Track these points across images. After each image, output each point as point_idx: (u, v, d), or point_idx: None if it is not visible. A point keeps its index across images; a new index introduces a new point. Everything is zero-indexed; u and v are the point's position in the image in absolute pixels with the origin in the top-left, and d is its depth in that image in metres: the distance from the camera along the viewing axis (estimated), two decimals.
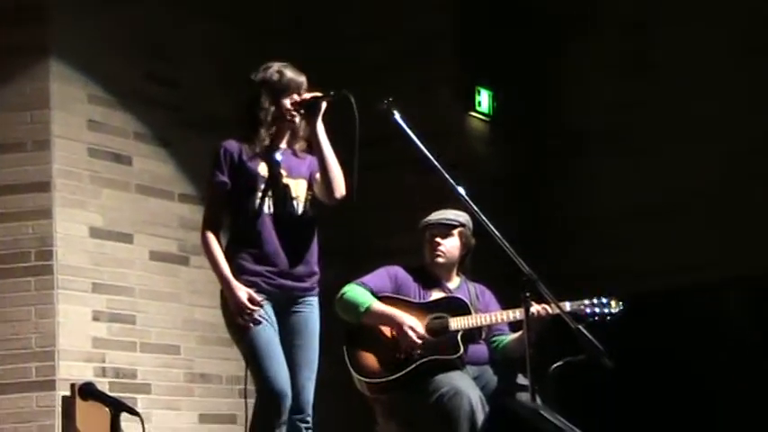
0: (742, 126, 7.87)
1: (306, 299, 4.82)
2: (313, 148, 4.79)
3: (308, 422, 4.79)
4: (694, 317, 7.79)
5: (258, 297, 4.65)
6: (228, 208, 4.80)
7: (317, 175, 4.84)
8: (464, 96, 8.06)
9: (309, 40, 7.60)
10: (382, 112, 4.70)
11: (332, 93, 4.74)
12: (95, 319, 6.57)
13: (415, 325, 5.38)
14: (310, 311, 4.84)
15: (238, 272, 4.71)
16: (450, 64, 8.05)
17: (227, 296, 4.69)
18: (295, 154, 4.85)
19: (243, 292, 4.64)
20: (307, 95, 4.77)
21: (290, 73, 4.80)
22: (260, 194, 4.75)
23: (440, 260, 5.59)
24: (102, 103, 6.78)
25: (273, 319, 4.72)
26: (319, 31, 7.90)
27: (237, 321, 4.66)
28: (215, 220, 4.81)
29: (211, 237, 4.77)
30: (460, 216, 5.53)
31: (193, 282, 7.10)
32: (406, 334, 5.36)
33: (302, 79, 4.81)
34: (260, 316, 4.65)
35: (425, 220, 5.62)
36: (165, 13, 7.12)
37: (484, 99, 8.11)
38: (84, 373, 6.37)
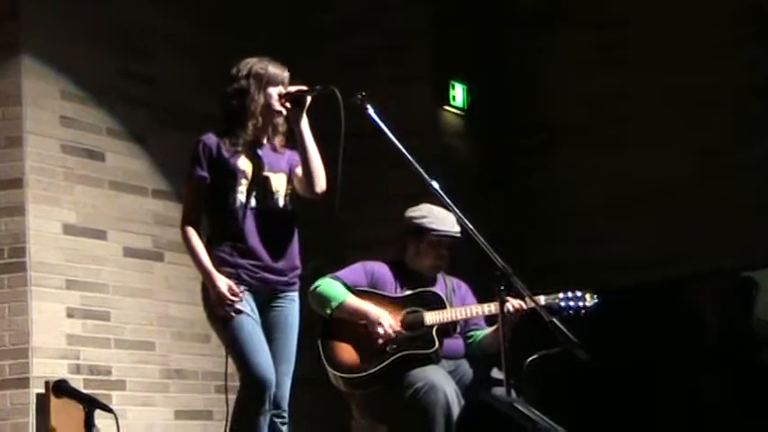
0: (715, 119, 7.91)
1: (287, 294, 4.83)
2: (297, 142, 4.79)
3: (283, 417, 4.80)
4: (668, 310, 7.83)
5: (238, 288, 4.65)
6: (207, 202, 4.79)
7: (297, 170, 4.85)
8: (438, 91, 8.07)
9: (285, 35, 7.58)
10: (356, 106, 4.71)
11: (318, 87, 4.75)
12: (69, 315, 6.55)
13: (386, 319, 5.38)
14: (291, 306, 4.85)
15: (219, 264, 4.71)
16: (424, 58, 8.06)
17: (208, 287, 4.69)
18: (274, 149, 4.85)
19: (223, 282, 4.64)
20: (293, 89, 4.79)
21: (274, 66, 4.82)
22: (241, 189, 4.75)
23: (440, 269, 5.59)
24: (74, 99, 6.75)
25: (255, 310, 4.72)
26: (295, 27, 7.90)
27: (218, 312, 4.65)
28: (194, 215, 4.81)
29: (191, 231, 4.76)
30: (457, 224, 5.49)
31: (168, 278, 7.08)
32: (377, 328, 5.36)
33: (286, 73, 4.84)
34: (241, 306, 4.65)
35: (433, 227, 5.52)
36: (139, 9, 7.09)
37: (458, 93, 8.12)
38: (59, 371, 6.35)
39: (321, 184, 4.80)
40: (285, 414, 4.79)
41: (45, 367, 6.34)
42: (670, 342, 7.70)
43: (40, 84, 6.58)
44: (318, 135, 4.84)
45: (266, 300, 4.78)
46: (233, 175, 4.74)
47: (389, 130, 4.71)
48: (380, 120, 4.71)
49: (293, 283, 4.86)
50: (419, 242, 5.56)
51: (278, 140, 4.86)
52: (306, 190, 4.82)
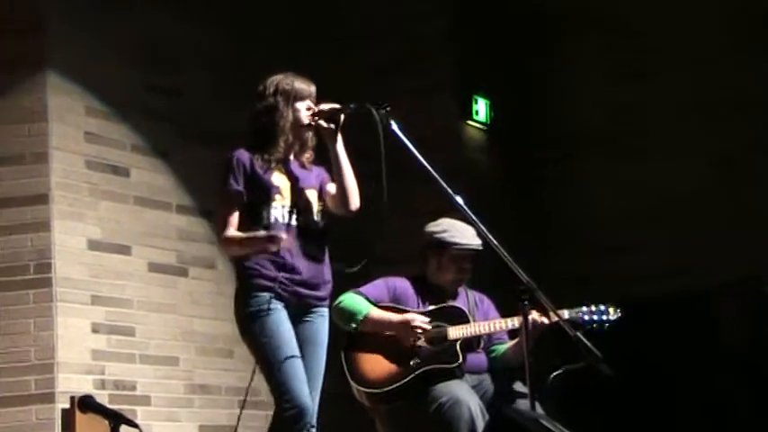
0: (733, 129, 7.89)
1: (318, 308, 4.82)
2: (331, 159, 4.79)
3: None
4: (692, 321, 7.79)
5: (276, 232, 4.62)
6: (242, 217, 4.74)
7: (329, 187, 4.86)
8: (461, 105, 8.07)
9: (308, 49, 7.60)
10: (378, 123, 4.68)
11: (352, 106, 4.75)
12: (94, 331, 6.57)
13: (416, 317, 5.38)
14: (321, 322, 4.84)
15: (255, 276, 4.68)
16: (447, 72, 8.07)
17: (254, 248, 4.65)
18: (303, 165, 4.86)
19: (261, 232, 4.63)
20: (326, 106, 4.78)
21: (300, 82, 4.82)
22: (275, 204, 4.74)
23: (462, 282, 5.59)
24: (99, 115, 6.78)
25: (286, 328, 4.68)
26: (318, 39, 7.91)
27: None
28: (233, 225, 4.72)
29: (233, 234, 4.71)
30: (477, 237, 5.49)
31: (192, 293, 7.10)
32: (409, 327, 5.35)
33: (313, 88, 4.84)
34: (280, 321, 4.64)
35: (455, 240, 5.52)
36: (163, 25, 7.12)
37: (481, 108, 8.13)
38: (84, 386, 6.37)
39: (356, 201, 4.81)
40: (314, 429, 4.75)
41: (70, 382, 6.37)
42: (694, 355, 7.66)
43: (65, 99, 6.62)
44: (349, 150, 4.84)
45: (298, 314, 4.75)
46: (268, 190, 4.73)
47: (412, 145, 4.69)
48: (404, 135, 4.70)
49: (326, 298, 4.85)
50: (440, 256, 5.56)
51: (306, 156, 4.86)
52: (340, 207, 4.83)
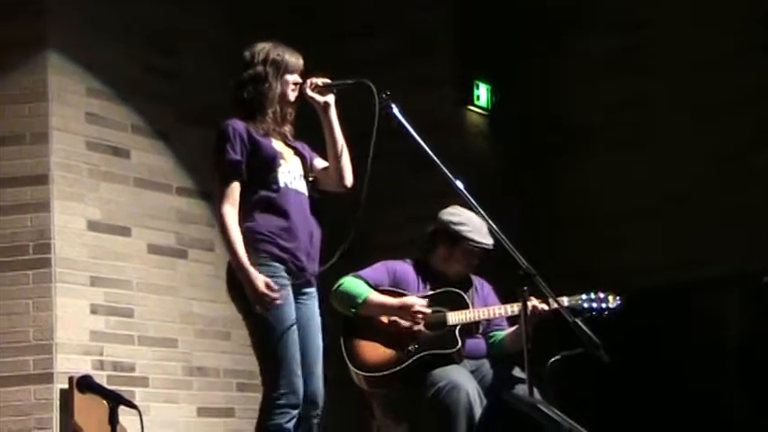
0: (734, 124, 7.89)
1: (312, 288, 4.70)
2: (325, 134, 4.69)
3: (319, 415, 4.67)
4: (691, 312, 7.80)
5: (275, 285, 4.45)
6: (245, 185, 4.56)
7: (316, 162, 4.76)
8: (463, 91, 8.06)
9: (307, 34, 7.58)
10: (379, 106, 4.66)
11: (349, 81, 4.66)
12: (93, 312, 6.58)
13: (415, 301, 5.37)
14: (313, 302, 4.73)
15: (267, 242, 4.51)
16: (448, 58, 8.06)
17: (244, 283, 4.46)
18: (286, 137, 4.73)
19: (260, 280, 4.43)
20: (320, 80, 4.67)
21: (291, 54, 4.70)
22: (281, 170, 4.61)
23: (466, 275, 5.59)
24: (100, 95, 6.78)
25: (293, 311, 4.54)
26: (317, 26, 7.90)
27: (255, 310, 4.46)
28: (233, 197, 4.54)
29: (232, 215, 4.51)
30: (490, 236, 5.44)
31: (191, 275, 7.11)
32: (409, 311, 5.34)
33: (301, 62, 4.72)
34: (280, 300, 4.46)
35: (471, 236, 5.45)
36: (165, 5, 7.12)
37: (482, 93, 8.12)
38: (82, 367, 6.38)
39: (350, 177, 4.71)
40: (320, 411, 4.67)
41: (69, 363, 6.38)
42: (693, 345, 7.67)
43: (65, 80, 6.61)
44: (347, 132, 4.78)
45: (298, 294, 4.62)
46: (274, 156, 4.59)
47: (413, 129, 4.68)
48: (405, 120, 4.69)
49: (316, 274, 4.70)
50: (452, 248, 5.52)
51: (287, 129, 4.73)
52: (334, 184, 4.72)
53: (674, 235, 7.96)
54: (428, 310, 5.38)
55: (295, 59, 4.71)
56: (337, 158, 4.68)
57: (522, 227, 7.44)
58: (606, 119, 8.28)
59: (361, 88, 4.58)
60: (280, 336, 4.49)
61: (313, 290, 4.73)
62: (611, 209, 8.15)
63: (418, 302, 5.39)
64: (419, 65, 7.94)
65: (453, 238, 5.50)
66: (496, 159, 8.18)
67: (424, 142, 4.67)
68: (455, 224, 5.51)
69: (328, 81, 4.69)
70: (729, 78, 7.90)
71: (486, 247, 5.46)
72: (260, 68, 4.65)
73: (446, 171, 4.66)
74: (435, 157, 4.66)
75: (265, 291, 4.43)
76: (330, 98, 4.68)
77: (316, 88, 4.67)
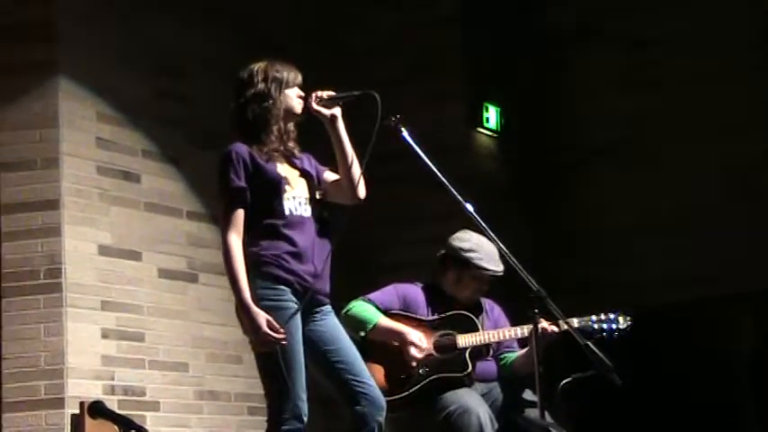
0: (743, 141, 7.88)
1: (326, 306, 4.62)
2: (335, 147, 4.60)
3: (383, 417, 4.54)
4: (701, 331, 7.78)
5: (277, 324, 4.35)
6: (250, 212, 4.49)
7: (326, 175, 4.68)
8: (472, 112, 8.07)
9: (317, 55, 7.60)
10: (390, 128, 4.65)
11: (356, 93, 4.58)
12: (104, 336, 6.58)
13: (418, 339, 5.36)
14: (333, 317, 4.64)
15: (271, 265, 4.45)
16: (458, 80, 8.07)
17: (244, 320, 4.40)
18: (292, 154, 4.65)
19: (263, 319, 4.35)
20: (325, 93, 4.59)
21: (289, 69, 4.64)
22: (287, 195, 4.54)
23: (476, 300, 5.57)
24: (110, 120, 6.80)
25: (300, 334, 4.46)
26: (328, 47, 7.92)
27: (257, 348, 4.39)
28: (237, 225, 4.47)
29: (236, 245, 4.44)
30: (501, 262, 5.42)
31: (202, 299, 7.11)
32: (409, 348, 5.34)
33: (300, 77, 4.65)
34: (285, 336, 4.36)
35: (482, 264, 5.44)
36: (175, 30, 7.14)
37: (492, 115, 8.13)
38: (94, 391, 6.38)
39: (363, 189, 4.61)
40: (384, 413, 4.53)
41: (80, 388, 6.37)
42: (704, 364, 7.65)
43: (76, 105, 6.63)
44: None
45: (308, 312, 4.53)
46: (278, 182, 4.53)
47: (423, 151, 4.66)
48: (414, 142, 4.66)
49: (329, 295, 4.63)
50: (461, 273, 5.50)
51: (291, 146, 4.65)
52: (347, 197, 4.62)
53: (688, 250, 7.94)
54: (420, 356, 5.35)
55: (294, 74, 4.65)
56: (348, 171, 4.59)
57: (534, 246, 7.44)
58: (617, 136, 8.28)
59: (367, 100, 4.50)
60: (285, 361, 4.41)
61: (327, 307, 4.64)
62: (623, 225, 8.14)
63: (421, 344, 5.35)
64: (429, 85, 7.95)
65: (463, 264, 5.48)
66: (505, 179, 8.17)
67: (433, 163, 4.65)
68: (465, 251, 5.49)
69: (333, 93, 4.61)
70: (741, 94, 7.90)
71: (496, 274, 5.44)
72: (261, 86, 4.57)
73: (456, 194, 4.64)
74: (445, 179, 4.64)
75: (267, 331, 4.35)
76: (336, 111, 4.60)
77: (321, 102, 4.59)
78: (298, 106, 4.61)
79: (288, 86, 4.60)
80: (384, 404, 4.54)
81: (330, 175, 4.70)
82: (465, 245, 5.50)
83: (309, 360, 4.51)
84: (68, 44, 6.65)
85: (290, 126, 4.66)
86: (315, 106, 4.59)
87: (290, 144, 4.65)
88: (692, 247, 7.92)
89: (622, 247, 8.12)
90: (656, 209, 8.08)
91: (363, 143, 4.53)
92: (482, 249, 5.44)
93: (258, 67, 4.64)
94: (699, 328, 7.77)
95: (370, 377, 4.56)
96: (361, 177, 4.60)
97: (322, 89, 4.64)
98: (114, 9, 6.88)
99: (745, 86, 7.90)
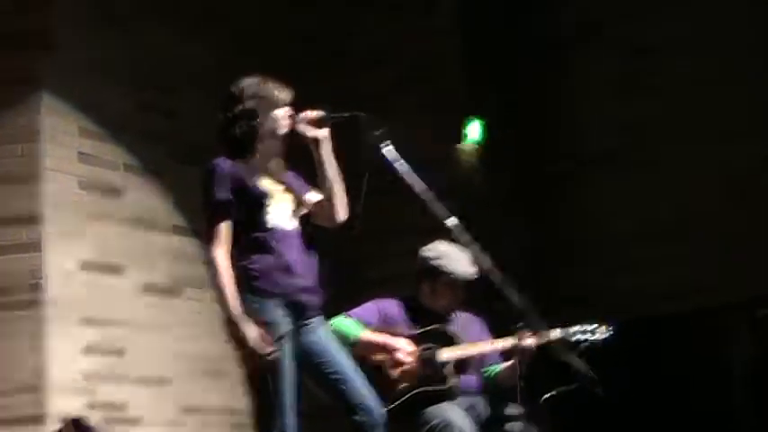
0: (743, 146, 7.87)
1: (317, 318, 4.59)
2: (317, 168, 4.59)
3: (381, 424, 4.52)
4: (689, 341, 7.78)
5: (269, 337, 4.34)
6: (235, 226, 4.46)
7: (308, 195, 4.67)
8: (461, 124, 8.06)
9: (305, 70, 7.59)
10: (374, 143, 4.61)
11: (345, 114, 4.56)
12: (86, 352, 6.55)
13: (405, 344, 5.36)
14: (324, 328, 4.62)
15: (258, 278, 4.43)
16: (445, 90, 8.07)
17: (235, 332, 4.34)
18: (278, 171, 4.66)
19: (254, 331, 4.33)
20: (313, 113, 4.58)
21: (279, 88, 4.64)
22: (271, 210, 4.53)
23: (454, 309, 5.57)
24: (92, 135, 6.78)
25: (290, 349, 4.43)
26: (314, 62, 7.92)
27: (247, 361, 4.36)
28: (223, 238, 4.45)
29: (223, 258, 4.40)
30: (473, 265, 5.42)
31: (185, 314, 7.09)
32: (396, 355, 5.34)
33: (290, 96, 4.64)
34: (276, 351, 4.35)
35: (450, 269, 5.47)
36: (157, 46, 7.13)
37: (475, 128, 8.12)
38: (76, 407, 6.34)
39: (343, 212, 4.61)
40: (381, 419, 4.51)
41: (62, 404, 6.33)
42: (691, 376, 7.64)
43: (58, 120, 6.62)
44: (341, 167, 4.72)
45: (300, 326, 4.50)
46: (261, 196, 4.52)
47: (412, 165, 4.62)
48: (400, 155, 4.61)
49: (320, 307, 4.60)
50: (434, 283, 5.54)
51: (277, 163, 4.66)
52: (328, 218, 4.63)
53: (688, 258, 7.92)
54: (410, 359, 5.35)
55: (284, 93, 4.64)
56: (330, 194, 4.60)
57: (533, 254, 7.42)
58: (615, 142, 8.28)
59: (356, 121, 4.50)
60: (273, 376, 4.39)
61: (319, 319, 4.61)
62: (622, 233, 8.13)
63: (403, 348, 5.36)
64: (419, 96, 7.96)
65: (434, 272, 5.52)
66: (503, 188, 8.15)
67: (424, 174, 4.61)
68: (433, 259, 5.53)
69: (323, 114, 4.59)
70: (740, 99, 7.87)
71: (467, 277, 5.45)
72: (250, 104, 4.57)
73: (440, 208, 4.61)
74: (430, 194, 4.61)
75: (258, 344, 4.34)
76: (324, 132, 4.59)
77: (310, 122, 4.58)
78: (285, 126, 4.60)
79: (277, 106, 4.59)
80: (382, 412, 4.53)
81: (313, 196, 4.69)
82: (432, 254, 5.55)
83: (304, 373, 4.50)
84: (51, 59, 6.63)
85: (277, 144, 4.65)
86: (303, 126, 4.58)
87: (276, 161, 4.66)
88: (690, 255, 7.90)
89: (621, 255, 8.10)
90: (654, 216, 8.07)
91: (348, 160, 4.56)
92: (450, 256, 5.48)
93: (249, 83, 4.63)
94: (697, 337, 7.75)
95: (367, 386, 4.54)
96: (343, 201, 4.60)
97: (312, 108, 4.60)
98: (97, 24, 6.87)
99: (744, 91, 7.87)
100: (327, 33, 8.09)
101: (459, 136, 8.02)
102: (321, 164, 4.60)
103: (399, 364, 5.36)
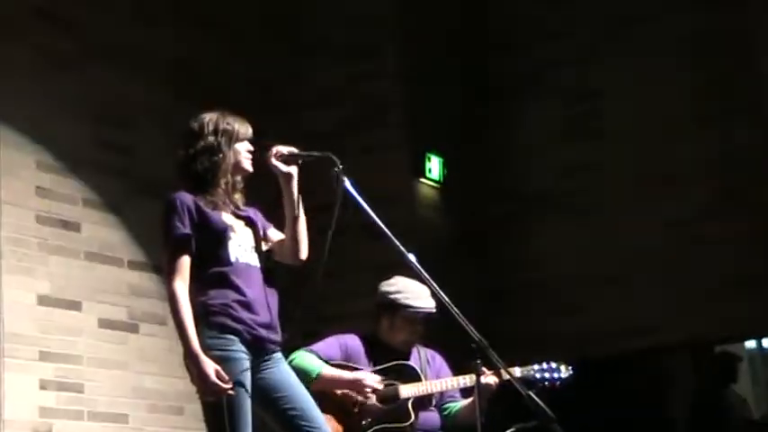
0: (687, 191, 7.96)
1: (276, 354, 4.56)
2: (285, 205, 4.57)
3: None
4: (643, 380, 7.82)
5: (226, 376, 4.30)
6: (196, 259, 4.44)
7: (270, 232, 4.66)
8: (414, 163, 8.10)
9: (260, 106, 7.60)
10: (333, 179, 4.61)
11: (316, 153, 4.52)
12: (42, 387, 6.49)
13: (369, 375, 5.34)
14: (284, 364, 4.59)
15: (219, 314, 4.39)
16: (400, 130, 8.10)
17: (192, 368, 4.33)
18: (237, 207, 4.63)
19: (211, 368, 4.29)
20: (285, 149, 4.55)
21: (240, 123, 4.62)
22: (232, 243, 4.49)
23: (414, 343, 5.56)
24: (50, 169, 6.75)
25: (249, 385, 4.41)
26: (270, 98, 7.94)
27: (204, 397, 4.33)
28: (183, 273, 4.42)
29: (182, 292, 4.38)
30: (432, 299, 5.45)
31: (143, 349, 7.04)
32: (360, 385, 5.32)
33: (251, 130, 4.63)
34: (230, 388, 4.31)
35: (408, 302, 5.47)
36: (115, 79, 7.12)
37: (434, 166, 8.15)
38: None
39: (305, 250, 4.59)
40: None
41: None
42: (644, 413, 7.69)
43: (16, 154, 6.59)
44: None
45: (257, 361, 4.48)
46: (223, 230, 4.48)
47: (366, 202, 4.64)
48: (357, 193, 4.64)
49: (280, 343, 4.57)
50: (393, 317, 5.53)
51: (237, 197, 4.63)
52: (289, 256, 4.61)
53: (630, 301, 7.98)
54: (380, 386, 5.35)
55: (245, 128, 4.63)
56: (294, 231, 4.58)
57: (479, 295, 7.44)
58: (560, 185, 8.34)
59: (326, 162, 4.45)
60: (230, 412, 4.35)
61: (278, 354, 4.59)
62: (566, 275, 8.18)
63: (370, 377, 5.36)
64: (371, 136, 7.98)
65: (392, 307, 5.51)
66: (447, 230, 8.20)
67: (376, 213, 4.63)
68: (391, 294, 5.53)
69: (295, 151, 4.57)
70: (684, 145, 7.98)
71: (426, 310, 5.45)
72: (211, 139, 4.55)
73: (397, 242, 4.62)
74: (387, 230, 4.63)
75: (215, 380, 4.30)
76: (293, 169, 4.57)
77: (281, 157, 4.55)
78: (246, 161, 4.59)
79: (238, 140, 4.58)
80: None
81: (274, 234, 4.68)
82: (391, 288, 5.55)
83: (261, 408, 4.48)
84: (8, 93, 6.60)
85: (238, 179, 4.63)
86: (273, 161, 4.55)
87: (237, 196, 4.64)
88: (634, 297, 7.97)
89: (564, 297, 8.16)
90: (598, 259, 8.14)
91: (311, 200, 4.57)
92: (408, 290, 5.48)
93: (209, 118, 4.61)
94: (640, 377, 7.81)
95: (324, 423, 4.53)
96: (305, 239, 4.59)
97: (282, 144, 4.58)
98: (55, 59, 6.85)
99: (687, 138, 7.99)
100: (274, 72, 8.11)
101: (407, 175, 8.04)
102: (290, 200, 4.57)
103: (362, 399, 5.34)
